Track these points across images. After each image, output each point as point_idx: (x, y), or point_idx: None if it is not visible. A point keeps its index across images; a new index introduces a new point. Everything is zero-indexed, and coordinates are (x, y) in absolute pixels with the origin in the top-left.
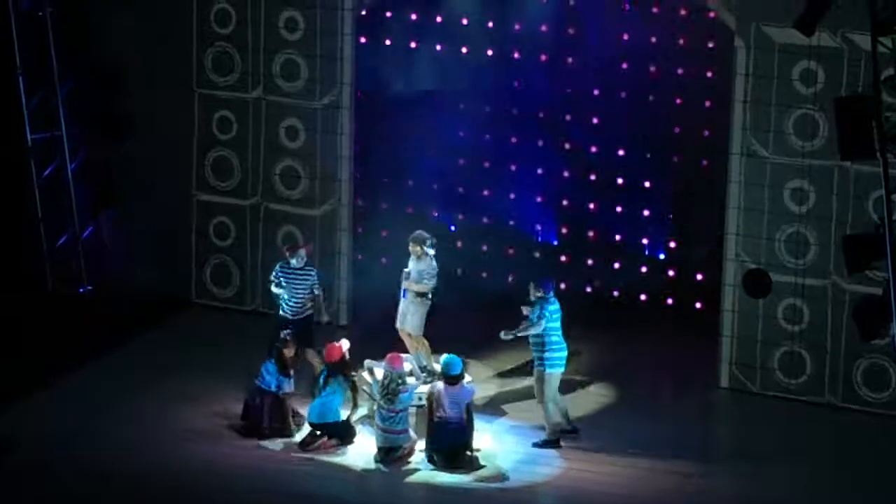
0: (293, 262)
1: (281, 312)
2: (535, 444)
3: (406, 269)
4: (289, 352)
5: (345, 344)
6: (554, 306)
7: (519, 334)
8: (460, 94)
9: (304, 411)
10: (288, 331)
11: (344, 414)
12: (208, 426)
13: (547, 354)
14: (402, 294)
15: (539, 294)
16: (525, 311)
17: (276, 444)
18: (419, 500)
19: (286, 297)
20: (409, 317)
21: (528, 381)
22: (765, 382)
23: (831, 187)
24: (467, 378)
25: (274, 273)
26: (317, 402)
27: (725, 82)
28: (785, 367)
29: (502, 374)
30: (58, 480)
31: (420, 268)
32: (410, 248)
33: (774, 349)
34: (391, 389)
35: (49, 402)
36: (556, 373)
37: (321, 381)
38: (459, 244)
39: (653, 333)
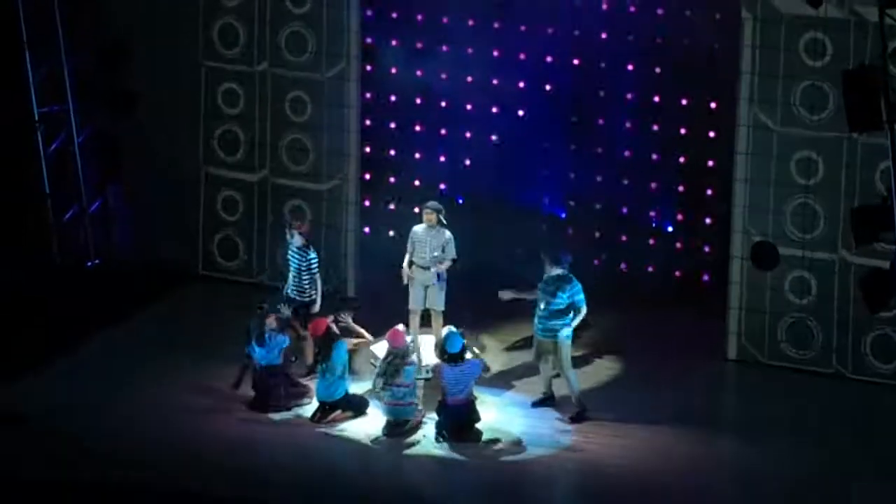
0: (289, 240)
1: (287, 291)
2: (571, 419)
3: (417, 250)
4: (270, 322)
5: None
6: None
7: (575, 323)
8: (467, 67)
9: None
10: (265, 304)
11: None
12: (215, 400)
13: (568, 322)
14: (435, 278)
15: (560, 270)
16: (506, 295)
17: (286, 416)
18: (426, 474)
19: (291, 276)
20: (435, 293)
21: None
22: (772, 354)
23: (839, 159)
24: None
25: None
26: (320, 382)
27: (732, 54)
28: (792, 338)
29: (508, 348)
30: (64, 456)
31: (438, 239)
32: (426, 216)
33: (782, 321)
34: (394, 365)
35: (57, 377)
36: (569, 343)
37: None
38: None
39: (660, 306)
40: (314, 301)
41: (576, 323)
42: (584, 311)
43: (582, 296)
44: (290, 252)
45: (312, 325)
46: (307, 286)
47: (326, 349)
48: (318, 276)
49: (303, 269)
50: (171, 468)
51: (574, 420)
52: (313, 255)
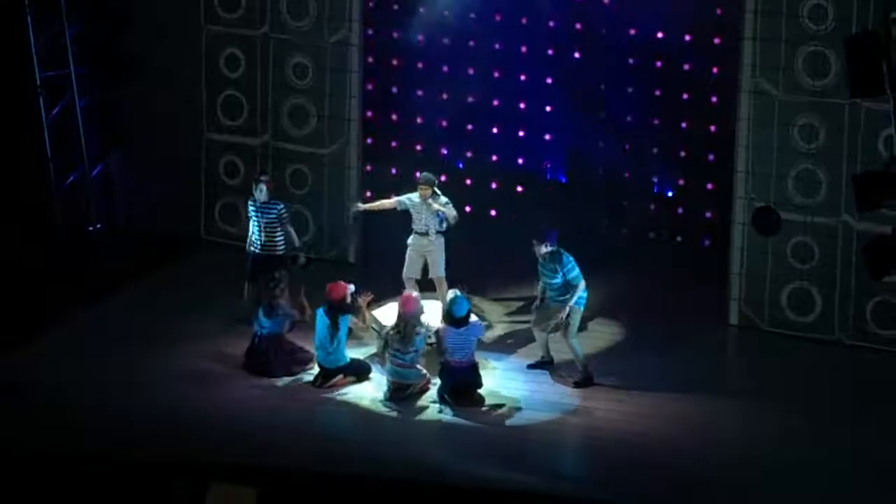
0: (255, 194)
1: (251, 248)
2: (576, 384)
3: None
4: (280, 293)
5: (350, 287)
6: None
7: (572, 303)
8: (470, 32)
9: (310, 348)
10: (279, 274)
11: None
12: (217, 366)
13: (574, 293)
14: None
15: (549, 248)
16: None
17: (288, 382)
18: (429, 438)
19: (255, 232)
20: (435, 261)
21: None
22: (773, 320)
23: (842, 125)
24: (473, 318)
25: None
26: (320, 350)
27: (735, 19)
28: (794, 304)
29: (511, 313)
30: (65, 426)
31: (434, 209)
32: (420, 191)
33: (783, 287)
34: (407, 332)
35: (58, 344)
36: (580, 310)
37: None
38: (468, 182)
39: (661, 271)
40: (282, 256)
41: (575, 298)
42: (581, 285)
43: (576, 272)
44: (253, 209)
45: (332, 287)
46: (278, 240)
47: (337, 316)
48: (290, 227)
49: (273, 222)
50: (173, 435)
51: (578, 385)
52: (282, 205)
